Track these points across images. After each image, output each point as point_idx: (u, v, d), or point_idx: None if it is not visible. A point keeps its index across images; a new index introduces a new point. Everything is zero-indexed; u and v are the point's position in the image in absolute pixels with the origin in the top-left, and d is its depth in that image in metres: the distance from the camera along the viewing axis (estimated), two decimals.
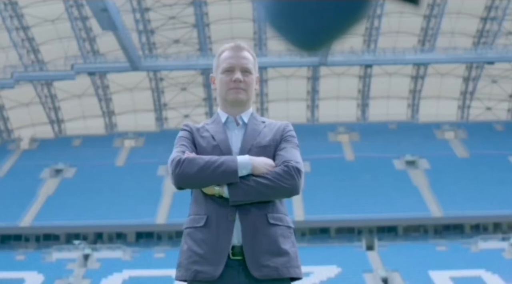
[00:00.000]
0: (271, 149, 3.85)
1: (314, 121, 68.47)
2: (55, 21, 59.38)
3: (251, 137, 3.88)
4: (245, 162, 3.73)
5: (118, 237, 56.45)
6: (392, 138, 64.93)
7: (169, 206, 55.32)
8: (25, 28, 59.87)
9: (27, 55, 61.29)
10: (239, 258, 3.66)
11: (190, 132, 3.97)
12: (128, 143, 67.27)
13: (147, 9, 59.21)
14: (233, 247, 3.68)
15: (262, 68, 61.03)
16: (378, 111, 67.80)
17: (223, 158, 3.74)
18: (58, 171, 62.78)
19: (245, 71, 3.91)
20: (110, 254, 53.02)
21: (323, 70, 63.22)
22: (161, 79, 65.90)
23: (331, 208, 54.40)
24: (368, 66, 60.36)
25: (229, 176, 3.68)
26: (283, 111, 66.24)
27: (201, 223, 3.73)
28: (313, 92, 66.58)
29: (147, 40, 61.52)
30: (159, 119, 69.05)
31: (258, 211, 3.71)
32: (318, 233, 55.73)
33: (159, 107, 68.50)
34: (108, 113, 68.88)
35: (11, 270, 50.19)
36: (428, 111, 67.76)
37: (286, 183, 3.70)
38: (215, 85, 4.00)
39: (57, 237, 56.47)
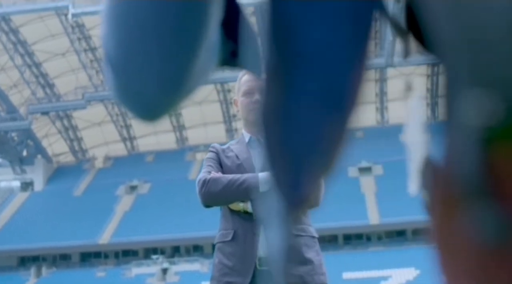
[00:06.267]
0: None
1: (384, 123, 67.88)
2: None
3: None
4: (266, 178, 3.95)
5: (195, 249, 56.98)
6: None
7: None
8: (93, 49, 61.24)
9: (96, 75, 62.65)
10: (265, 268, 3.91)
11: (216, 153, 4.24)
12: (200, 156, 67.69)
13: None
14: (259, 259, 3.92)
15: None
16: None
17: (245, 175, 3.99)
18: (133, 188, 63.83)
19: None
20: (188, 266, 53.57)
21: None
22: (229, 91, 66.33)
23: (407, 210, 53.87)
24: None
25: (251, 192, 3.94)
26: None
27: (229, 238, 4.01)
28: (381, 94, 65.91)
29: None
30: (229, 130, 69.45)
31: None
32: (395, 235, 55.32)
33: (229, 119, 68.98)
34: (179, 128, 69.68)
35: None
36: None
37: None
38: (238, 108, 4.25)
39: (135, 253, 57.33)
